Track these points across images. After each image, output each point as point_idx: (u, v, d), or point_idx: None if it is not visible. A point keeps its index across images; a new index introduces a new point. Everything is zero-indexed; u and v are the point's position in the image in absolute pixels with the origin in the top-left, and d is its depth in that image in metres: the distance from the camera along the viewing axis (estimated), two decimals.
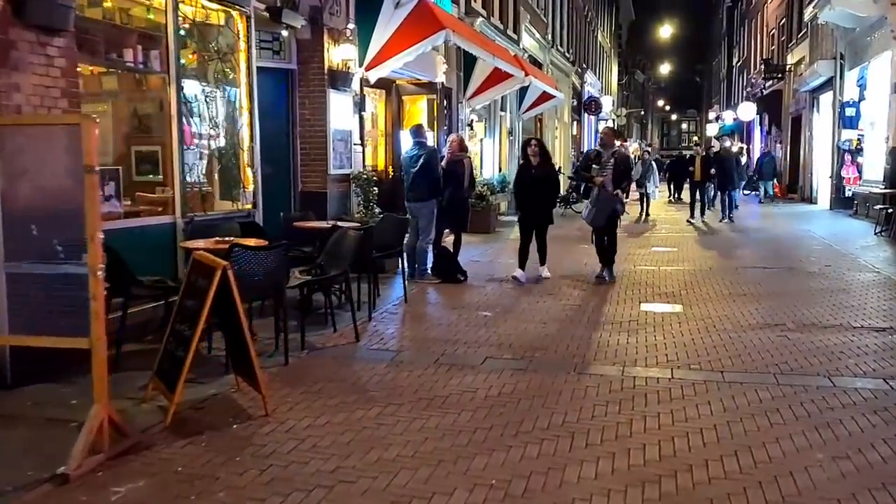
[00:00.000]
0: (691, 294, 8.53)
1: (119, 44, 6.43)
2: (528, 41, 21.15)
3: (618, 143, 27.11)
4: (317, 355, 5.95)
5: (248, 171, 8.09)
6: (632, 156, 18.88)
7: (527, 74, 14.87)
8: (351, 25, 9.97)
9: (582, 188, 10.22)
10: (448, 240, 9.82)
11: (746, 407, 4.65)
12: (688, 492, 3.56)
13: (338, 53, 9.54)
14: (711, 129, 44.73)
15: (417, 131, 9.41)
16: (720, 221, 16.82)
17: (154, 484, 3.64)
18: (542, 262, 9.37)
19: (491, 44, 13.55)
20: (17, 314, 4.07)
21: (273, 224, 8.14)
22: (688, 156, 18.95)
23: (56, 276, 3.93)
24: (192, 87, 7.22)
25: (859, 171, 18.23)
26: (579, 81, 31.52)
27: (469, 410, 4.65)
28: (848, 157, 18.74)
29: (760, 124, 32.50)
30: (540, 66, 22.95)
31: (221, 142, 7.72)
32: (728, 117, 40.03)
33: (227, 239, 5.99)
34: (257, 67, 8.86)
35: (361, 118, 10.54)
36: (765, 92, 30.11)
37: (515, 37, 19.36)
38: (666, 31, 52.23)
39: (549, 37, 24.48)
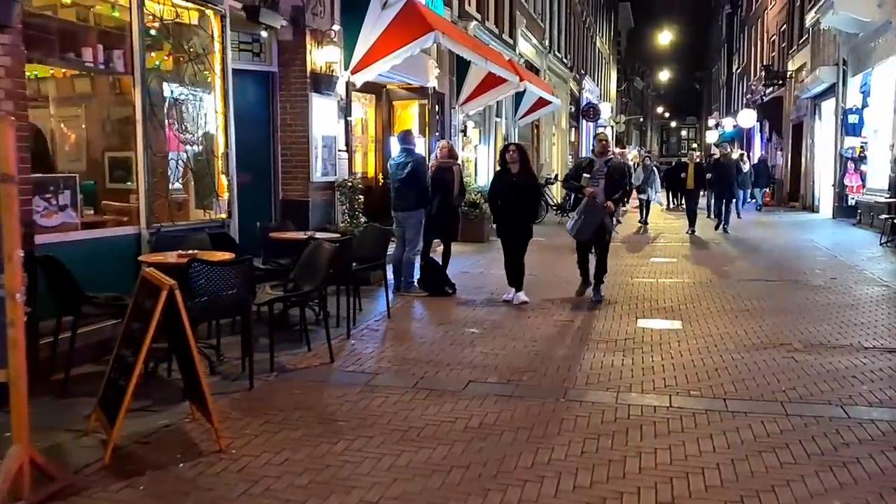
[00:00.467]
0: (691, 309, 8.08)
1: (76, 42, 6.00)
2: (525, 46, 20.74)
3: (617, 150, 26.32)
4: (286, 378, 5.49)
5: (223, 179, 7.65)
6: (631, 163, 18.48)
7: (522, 79, 14.47)
8: (336, 27, 9.55)
9: (572, 199, 9.22)
10: (438, 250, 9.39)
11: (752, 442, 4.19)
12: None
13: (321, 56, 9.12)
14: (711, 137, 44.32)
15: (405, 137, 8.97)
16: (715, 230, 16.10)
17: None
18: (518, 286, 8.22)
19: (484, 47, 13.14)
20: None
21: (250, 234, 7.71)
22: (677, 163, 18.17)
23: None
24: (160, 90, 6.79)
25: (863, 180, 17.81)
26: (577, 88, 31.13)
27: (446, 444, 4.20)
28: (851, 165, 18.31)
29: (761, 131, 32.09)
30: (537, 71, 22.54)
31: (193, 147, 7.29)
32: (728, 124, 39.63)
33: (189, 252, 5.54)
34: (236, 70, 8.47)
35: (347, 123, 10.11)
36: (765, 99, 29.72)
37: (511, 41, 18.95)
38: (665, 37, 51.97)
39: (547, 42, 24.07)
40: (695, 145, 32.41)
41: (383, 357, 6.14)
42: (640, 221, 17.22)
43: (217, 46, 7.51)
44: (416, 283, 8.85)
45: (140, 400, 4.88)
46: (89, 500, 3.51)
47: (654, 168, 17.93)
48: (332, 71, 9.25)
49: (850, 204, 18.32)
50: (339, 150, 9.79)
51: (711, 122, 49.42)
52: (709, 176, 15.88)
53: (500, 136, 18.62)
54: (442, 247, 9.26)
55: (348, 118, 10.11)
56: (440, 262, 9.04)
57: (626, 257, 12.42)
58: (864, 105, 17.49)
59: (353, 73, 9.84)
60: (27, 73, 7.24)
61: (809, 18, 20.41)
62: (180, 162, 7.07)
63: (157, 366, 5.46)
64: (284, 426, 4.49)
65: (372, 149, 12.90)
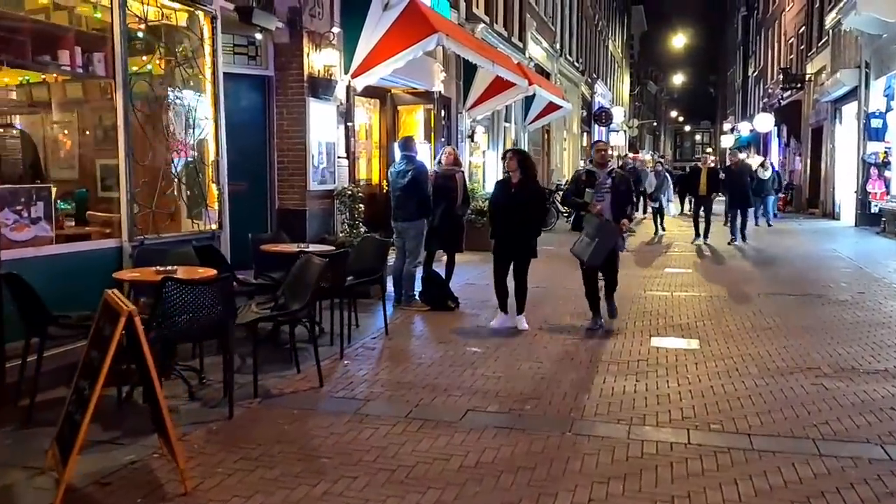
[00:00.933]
0: (709, 326, 7.60)
1: (52, 45, 5.63)
2: (535, 50, 20.33)
3: (631, 155, 25.75)
4: (270, 405, 5.07)
5: (213, 188, 7.26)
6: (648, 168, 17.85)
7: (531, 83, 14.02)
8: (335, 29, 9.16)
9: (573, 218, 7.83)
10: (443, 260, 8.95)
11: (783, 489, 3.73)
12: None
13: (319, 59, 8.73)
14: (727, 141, 43.65)
15: (406, 144, 8.55)
16: (728, 244, 14.75)
17: None
18: (520, 308, 7.36)
19: (491, 50, 12.72)
20: None
21: (244, 246, 7.32)
22: (692, 169, 16.83)
23: None
24: (144, 95, 6.41)
25: (887, 186, 17.22)
26: (589, 92, 30.67)
27: (437, 488, 3.77)
28: (874, 170, 17.71)
29: (778, 136, 31.46)
30: (548, 75, 22.13)
31: (181, 155, 6.90)
32: (744, 128, 38.99)
33: (167, 269, 5.15)
34: (230, 74, 8.13)
35: (347, 129, 9.72)
36: (783, 102, 29.13)
37: (521, 45, 18.54)
38: (679, 40, 51.38)
39: (558, 46, 23.65)
40: (709, 149, 31.57)
41: (377, 380, 5.70)
42: (655, 233, 16.48)
43: (208, 49, 7.14)
44: (417, 297, 8.43)
45: (110, 430, 4.51)
46: None
47: (667, 174, 17.10)
48: (331, 75, 8.86)
49: (873, 211, 17.73)
50: (339, 157, 9.39)
51: (727, 127, 48.72)
52: (722, 176, 14.99)
53: (510, 142, 18.20)
54: (445, 258, 8.82)
55: (349, 124, 9.71)
56: (443, 275, 8.60)
57: (639, 268, 11.93)
58: (889, 109, 16.92)
59: (353, 76, 9.45)
60: (20, 79, 7.02)
61: (829, 19, 19.87)
62: (165, 170, 6.67)
63: (132, 391, 5.06)
64: (261, 463, 4.07)
65: (376, 155, 12.50)
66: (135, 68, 6.31)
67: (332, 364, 6.10)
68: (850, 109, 20.29)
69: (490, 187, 16.18)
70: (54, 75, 6.25)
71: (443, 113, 13.40)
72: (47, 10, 5.82)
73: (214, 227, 7.22)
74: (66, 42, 5.66)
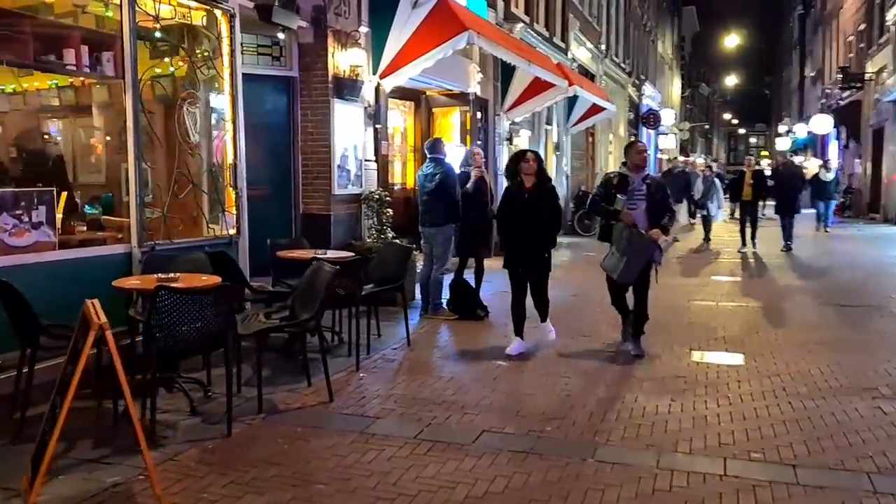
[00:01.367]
0: (755, 339, 7.06)
1: (57, 44, 5.45)
2: (579, 51, 19.81)
3: (681, 159, 24.67)
4: (274, 421, 4.77)
5: (231, 192, 7.02)
6: (699, 172, 17.01)
7: (571, 84, 13.54)
8: (363, 29, 8.88)
9: (599, 227, 6.93)
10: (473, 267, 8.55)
11: None
12: None
13: (345, 59, 8.45)
14: (782, 144, 42.26)
15: (434, 146, 8.20)
16: (782, 250, 14.04)
17: None
18: (543, 317, 6.70)
19: (528, 49, 12.30)
20: None
21: (264, 252, 7.06)
22: (740, 173, 15.49)
23: None
24: (157, 96, 6.21)
25: None
26: (637, 94, 29.92)
27: None
28: None
29: (837, 138, 30.21)
30: (592, 77, 21.56)
31: (196, 158, 6.67)
32: (800, 131, 37.65)
33: (169, 276, 4.89)
34: (254, 75, 7.95)
35: (376, 132, 9.41)
36: (841, 103, 27.96)
37: (563, 45, 18.04)
38: (732, 41, 49.95)
39: (603, 46, 23.06)
40: (764, 152, 30.44)
41: (391, 396, 5.35)
42: (704, 239, 15.69)
43: (226, 49, 6.91)
44: (444, 306, 8.07)
45: (100, 448, 4.27)
46: None
47: (716, 179, 16.05)
48: (357, 75, 8.57)
49: None
50: (367, 161, 9.09)
51: (782, 129, 47.21)
52: (770, 183, 13.99)
53: (551, 145, 17.72)
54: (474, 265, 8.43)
55: (377, 126, 9.40)
56: (472, 283, 8.22)
57: (684, 277, 11.35)
58: None
59: (381, 77, 9.14)
60: (49, 83, 6.91)
61: (891, 15, 18.91)
62: (180, 174, 6.45)
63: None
64: (251, 488, 3.75)
65: (411, 158, 12.21)
66: (148, 69, 6.11)
67: (346, 376, 5.78)
68: None
69: None
70: (80, 78, 6.15)
71: (479, 115, 13.03)
72: (52, 8, 5.63)
73: (232, 232, 6.97)
74: (72, 41, 5.48)
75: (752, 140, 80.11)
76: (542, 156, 16.92)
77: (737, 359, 6.37)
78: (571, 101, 17.26)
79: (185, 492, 3.70)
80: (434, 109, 12.46)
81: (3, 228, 4.98)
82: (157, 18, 6.03)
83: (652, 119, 30.41)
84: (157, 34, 6.41)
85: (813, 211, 18.75)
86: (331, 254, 6.69)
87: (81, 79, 6.26)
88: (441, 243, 7.92)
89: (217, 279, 5.01)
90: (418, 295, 8.29)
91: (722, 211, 15.61)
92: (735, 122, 79.28)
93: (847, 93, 26.70)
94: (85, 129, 7.47)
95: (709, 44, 60.89)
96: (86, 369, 3.50)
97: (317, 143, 8.38)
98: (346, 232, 8.65)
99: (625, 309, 6.66)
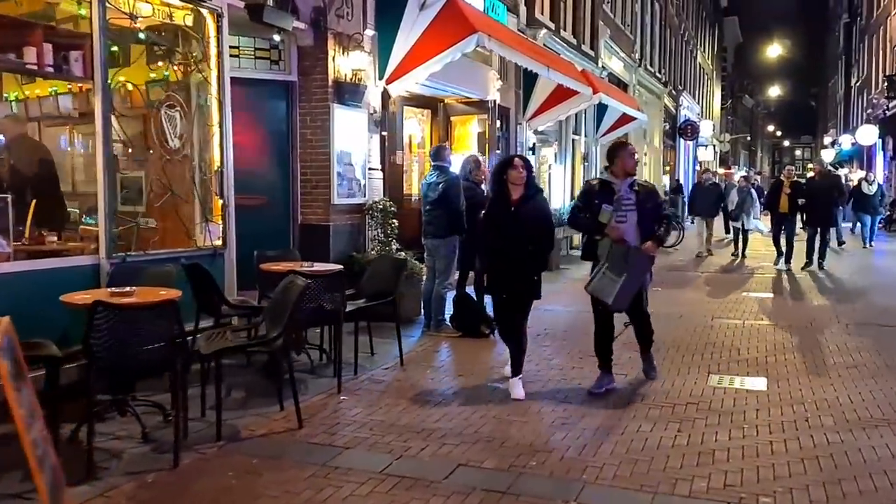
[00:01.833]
0: (781, 362, 6.45)
1: (16, 41, 5.14)
2: (611, 59, 19.25)
3: (721, 170, 23.52)
4: (229, 451, 4.34)
5: (217, 201, 6.67)
6: (734, 182, 16.12)
7: (596, 91, 13.01)
8: (369, 32, 8.50)
9: (583, 243, 5.96)
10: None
11: None
12: None
13: (346, 62, 8.07)
14: (827, 156, 40.93)
15: (438, 153, 7.78)
16: (802, 269, 12.77)
17: None
18: (515, 369, 5.51)
19: (547, 54, 11.80)
20: None
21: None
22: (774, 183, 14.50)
23: None
24: (133, 98, 5.90)
25: None
26: (673, 104, 29.15)
27: None
28: None
29: (883, 149, 29.02)
30: (626, 86, 20.96)
31: (176, 165, 6.34)
32: (846, 142, 36.38)
33: (125, 290, 4.52)
34: (251, 80, 7.68)
35: (383, 139, 9.01)
36: (888, 113, 26.82)
37: (592, 53, 17.51)
38: (775, 51, 48.64)
39: (637, 55, 22.43)
40: (811, 165, 29.23)
41: (368, 422, 4.88)
42: (732, 254, 14.85)
43: (213, 50, 6.58)
44: (447, 322, 7.60)
45: (29, 480, 3.88)
46: None
47: (752, 190, 15.15)
48: (360, 79, 8.18)
49: None
50: (371, 169, 8.69)
51: (827, 140, 45.81)
52: (801, 201, 12.62)
53: (579, 155, 17.16)
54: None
55: (384, 133, 9.01)
56: (476, 297, 7.73)
57: (711, 293, 10.70)
58: None
59: (388, 82, 8.75)
60: (49, 90, 6.67)
61: None
62: (157, 181, 6.11)
63: (77, 429, 4.44)
64: None
65: (428, 168, 11.78)
66: (119, 70, 5.78)
67: (325, 400, 5.35)
68: None
69: (556, 203, 15.17)
70: (79, 85, 5.88)
71: (500, 123, 12.57)
72: (20, 4, 5.33)
73: (218, 243, 6.61)
74: (34, 38, 5.17)
75: (798, 152, 78.31)
76: (570, 167, 16.62)
77: (759, 383, 5.79)
78: (601, 111, 16.72)
79: None
80: (452, 117, 12.02)
81: None
82: (132, 17, 5.71)
83: (689, 130, 29.63)
84: (133, 33, 6.10)
85: (847, 225, 17.74)
86: (318, 266, 6.29)
87: (80, 85, 5.99)
88: (444, 255, 7.47)
89: (176, 293, 4.63)
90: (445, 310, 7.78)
91: (760, 222, 14.65)
92: (779, 134, 77.55)
93: (894, 102, 25.61)
94: (84, 137, 7.22)
95: (752, 55, 59.66)
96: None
97: (316, 150, 8.01)
98: (348, 244, 8.24)
99: (608, 353, 5.63)
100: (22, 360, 3.08)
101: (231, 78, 7.03)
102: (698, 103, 35.75)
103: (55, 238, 5.83)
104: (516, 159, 5.52)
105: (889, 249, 17.19)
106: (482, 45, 8.56)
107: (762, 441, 4.48)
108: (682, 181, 28.24)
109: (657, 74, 25.62)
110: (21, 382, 3.02)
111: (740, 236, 14.84)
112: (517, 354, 5.54)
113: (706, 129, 34.63)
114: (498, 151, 12.43)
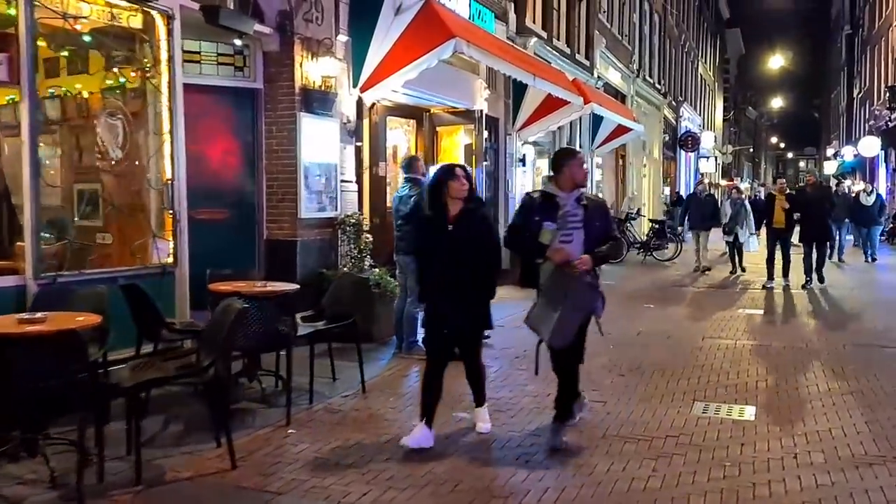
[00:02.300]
0: (773, 388, 5.98)
1: None
2: (608, 69, 18.85)
3: (723, 182, 22.83)
4: (148, 498, 3.88)
5: (167, 216, 6.24)
6: (744, 197, 15.47)
7: (587, 101, 12.58)
8: (342, 37, 8.10)
9: (521, 268, 4.96)
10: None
11: None
12: None
13: (315, 69, 7.65)
14: (830, 168, 40.45)
15: (409, 165, 7.37)
16: (802, 287, 11.98)
17: None
18: (479, 401, 5.04)
19: (534, 62, 11.38)
20: None
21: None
22: (768, 195, 13.79)
23: None
24: (65, 105, 5.49)
25: None
26: (674, 115, 28.72)
27: None
28: None
29: (886, 161, 28.54)
30: (623, 97, 20.56)
31: (119, 177, 5.92)
32: (848, 153, 35.89)
33: (35, 316, 4.08)
34: (214, 87, 7.27)
35: (358, 150, 8.59)
36: (890, 124, 26.37)
37: (587, 63, 17.12)
38: (777, 62, 48.29)
39: (635, 66, 22.04)
40: (807, 176, 28.76)
41: (311, 461, 4.41)
42: (731, 272, 14.27)
43: (164, 55, 6.17)
44: (420, 343, 7.12)
45: None
46: None
47: (746, 203, 14.58)
48: (330, 87, 7.76)
49: None
50: (344, 181, 8.25)
51: (830, 152, 45.33)
52: (796, 215, 11.91)
53: None
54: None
55: (359, 143, 8.59)
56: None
57: (704, 310, 10.20)
58: None
59: (362, 90, 8.34)
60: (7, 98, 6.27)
61: None
62: (95, 195, 5.69)
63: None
64: None
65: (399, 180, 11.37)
66: (90, 75, 5.40)
67: (270, 434, 4.89)
68: None
69: None
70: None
71: (488, 134, 12.15)
72: None
73: (168, 260, 6.18)
74: None
75: (801, 164, 77.80)
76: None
77: (746, 412, 5.34)
78: (596, 122, 16.31)
79: None
80: (438, 128, 11.61)
81: None
82: (66, 17, 5.30)
83: (690, 142, 29.20)
84: (85, 38, 5.71)
85: (849, 238, 17.20)
86: (272, 286, 5.84)
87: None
88: (415, 272, 7.02)
89: (95, 319, 4.18)
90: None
91: (756, 237, 14.08)
92: (783, 145, 77.12)
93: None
94: (44, 147, 6.82)
95: (755, 66, 59.30)
96: None
97: (282, 161, 7.58)
98: (318, 260, 7.79)
99: (572, 396, 4.90)
100: None
101: (192, 85, 6.68)
102: (700, 115, 35.32)
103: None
104: (457, 168, 4.79)
105: (892, 264, 16.65)
106: (461, 52, 8.13)
107: (744, 483, 4.01)
108: (682, 193, 27.78)
109: (657, 85, 25.22)
110: None
111: (735, 250, 14.30)
112: (477, 387, 5.02)
113: (707, 140, 34.19)
114: (485, 163, 12.02)
